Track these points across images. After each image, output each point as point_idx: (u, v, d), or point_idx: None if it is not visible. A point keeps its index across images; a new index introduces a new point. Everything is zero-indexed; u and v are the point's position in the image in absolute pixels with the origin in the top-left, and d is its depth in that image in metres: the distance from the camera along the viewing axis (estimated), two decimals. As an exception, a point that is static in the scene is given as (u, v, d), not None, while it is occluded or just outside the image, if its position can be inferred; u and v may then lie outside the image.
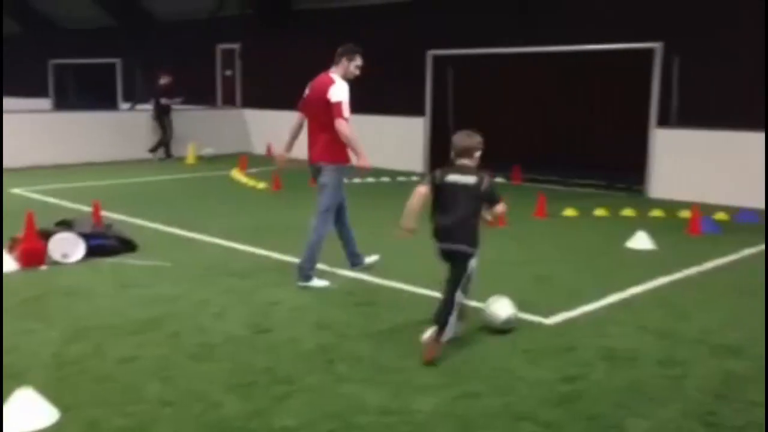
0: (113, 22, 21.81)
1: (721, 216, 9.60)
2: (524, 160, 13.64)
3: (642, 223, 9.11)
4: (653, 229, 8.51)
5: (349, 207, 6.87)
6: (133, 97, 20.41)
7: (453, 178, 4.94)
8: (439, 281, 6.47)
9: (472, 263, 5.01)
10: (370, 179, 13.36)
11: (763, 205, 10.30)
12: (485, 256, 7.49)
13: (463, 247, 4.92)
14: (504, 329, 5.24)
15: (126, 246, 7.60)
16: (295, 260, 6.73)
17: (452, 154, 5.07)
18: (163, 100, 16.25)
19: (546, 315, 5.65)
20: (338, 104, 6.30)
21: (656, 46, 11.61)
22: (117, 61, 22.93)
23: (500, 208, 5.04)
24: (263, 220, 9.57)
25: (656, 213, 10.02)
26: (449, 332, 4.84)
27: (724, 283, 6.64)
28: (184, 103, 16.61)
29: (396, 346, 4.98)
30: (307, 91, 6.67)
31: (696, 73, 11.35)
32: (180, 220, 9.31)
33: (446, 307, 4.86)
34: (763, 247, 8.12)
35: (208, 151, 16.83)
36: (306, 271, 6.45)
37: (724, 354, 4.89)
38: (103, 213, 8.87)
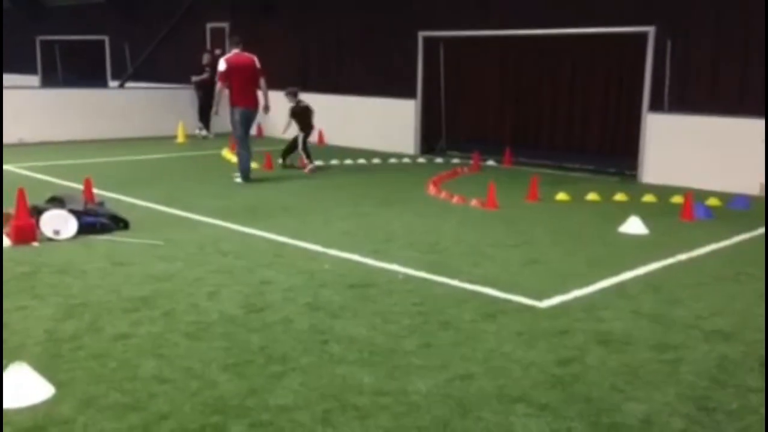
0: (102, -2, 21.58)
1: (713, 202, 9.63)
2: (516, 143, 13.64)
3: (634, 208, 9.12)
4: (646, 214, 8.53)
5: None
6: (123, 74, 20.22)
7: None
8: (429, 263, 6.52)
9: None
10: (362, 161, 13.34)
11: (755, 192, 10.36)
12: (477, 238, 7.58)
13: None
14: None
15: (118, 224, 7.57)
16: (290, 241, 7.31)
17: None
18: (193, 78, 17.00)
19: (539, 298, 5.65)
20: (263, 69, 10.94)
21: (649, 29, 11.59)
22: (105, 38, 22.70)
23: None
24: (255, 199, 9.53)
25: (649, 198, 10.03)
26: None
27: (716, 269, 6.66)
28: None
29: (390, 328, 4.97)
30: (227, 66, 10.68)
31: (689, 58, 11.34)
32: (172, 199, 9.27)
33: None
34: (754, 233, 8.18)
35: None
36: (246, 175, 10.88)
37: (717, 339, 4.91)
38: (95, 191, 8.81)
